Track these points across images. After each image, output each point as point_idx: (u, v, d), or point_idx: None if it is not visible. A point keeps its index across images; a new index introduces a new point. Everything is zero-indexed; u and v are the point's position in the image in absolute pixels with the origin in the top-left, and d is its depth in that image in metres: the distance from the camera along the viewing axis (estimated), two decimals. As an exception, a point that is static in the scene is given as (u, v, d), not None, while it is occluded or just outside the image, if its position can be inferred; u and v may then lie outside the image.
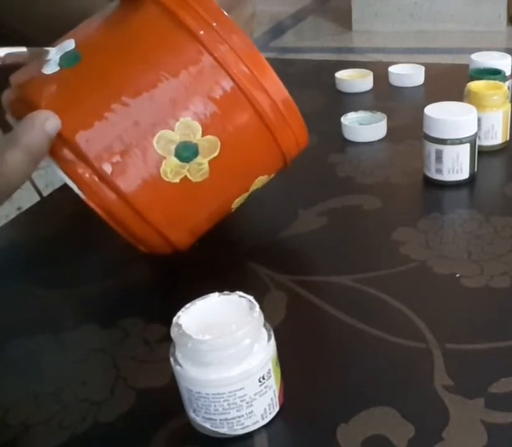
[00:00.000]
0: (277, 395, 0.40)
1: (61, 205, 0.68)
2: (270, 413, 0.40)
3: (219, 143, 0.45)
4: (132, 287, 0.55)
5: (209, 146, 0.45)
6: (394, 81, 0.94)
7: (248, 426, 0.39)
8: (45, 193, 0.71)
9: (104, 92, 0.44)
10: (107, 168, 0.43)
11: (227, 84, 0.45)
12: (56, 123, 0.42)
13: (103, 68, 0.45)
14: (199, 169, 0.46)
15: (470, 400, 0.40)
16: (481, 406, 0.40)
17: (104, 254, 0.59)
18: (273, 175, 0.53)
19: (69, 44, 0.46)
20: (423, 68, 0.94)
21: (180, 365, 0.37)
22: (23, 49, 0.43)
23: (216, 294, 0.40)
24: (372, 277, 0.52)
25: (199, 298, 0.40)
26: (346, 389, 0.42)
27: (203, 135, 0.45)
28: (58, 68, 0.45)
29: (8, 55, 0.41)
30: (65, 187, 0.71)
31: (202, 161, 0.45)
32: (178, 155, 0.44)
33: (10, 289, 0.56)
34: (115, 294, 0.54)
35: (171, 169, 0.45)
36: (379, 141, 0.76)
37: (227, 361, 0.37)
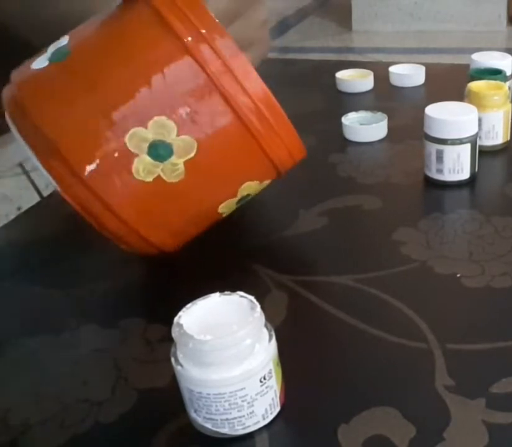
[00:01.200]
0: (278, 395, 0.40)
1: (61, 205, 0.68)
2: (271, 413, 0.40)
3: (195, 144, 0.44)
4: (133, 287, 0.55)
5: (184, 147, 0.44)
6: (395, 81, 0.94)
7: (249, 426, 0.39)
8: (45, 193, 0.71)
9: (84, 92, 0.44)
10: (79, 163, 0.43)
11: (206, 86, 0.44)
12: None
13: (86, 64, 0.45)
14: (174, 169, 0.45)
15: (471, 400, 0.40)
16: (482, 406, 0.40)
17: (104, 254, 0.59)
18: (266, 181, 0.52)
19: (63, 40, 0.47)
20: (423, 68, 0.94)
21: (181, 366, 0.37)
22: None
23: (217, 294, 0.40)
24: (373, 277, 0.52)
25: (200, 298, 0.40)
26: (347, 389, 0.42)
27: (178, 134, 0.44)
28: (46, 63, 0.46)
29: None
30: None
31: (177, 162, 0.45)
32: (150, 153, 0.44)
33: (10, 289, 0.56)
34: (115, 294, 0.54)
35: (144, 168, 0.44)
36: (380, 141, 0.76)
37: (228, 361, 0.37)
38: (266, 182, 0.52)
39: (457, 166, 0.64)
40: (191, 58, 0.44)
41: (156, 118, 0.43)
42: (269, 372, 0.38)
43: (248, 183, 0.49)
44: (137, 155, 0.44)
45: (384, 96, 0.90)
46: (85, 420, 0.41)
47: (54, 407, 0.42)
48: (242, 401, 0.38)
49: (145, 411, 0.42)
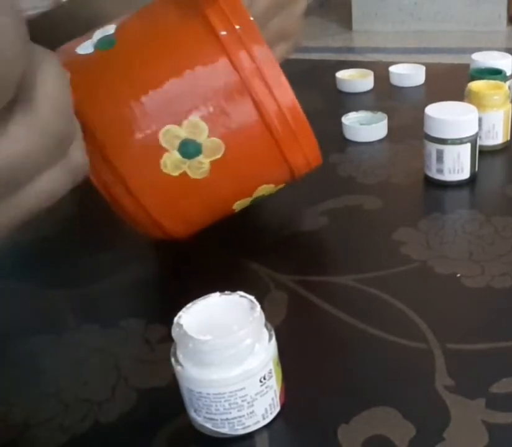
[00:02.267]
0: (278, 395, 0.40)
1: (61, 205, 0.68)
2: (271, 413, 0.40)
3: (223, 146, 0.46)
4: (133, 287, 0.55)
5: (213, 148, 0.46)
6: (395, 80, 0.94)
7: (249, 426, 0.39)
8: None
9: (125, 81, 0.46)
10: (113, 149, 0.45)
11: (241, 93, 0.46)
12: None
13: (130, 58, 0.46)
14: (199, 167, 0.47)
15: (471, 400, 0.40)
16: (482, 406, 0.40)
17: (104, 254, 0.59)
18: (280, 185, 0.54)
19: (109, 28, 0.48)
20: (423, 68, 0.94)
21: (181, 366, 0.37)
22: None
23: (217, 294, 0.40)
24: (373, 277, 0.52)
25: (200, 298, 0.40)
26: (347, 389, 0.42)
27: (209, 136, 0.46)
28: (92, 49, 0.47)
29: None
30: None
31: (204, 161, 0.46)
32: (180, 151, 0.46)
33: (10, 289, 0.56)
34: (115, 294, 0.54)
35: (171, 163, 0.46)
36: (380, 141, 0.76)
37: (228, 361, 0.37)
38: (281, 185, 0.54)
39: (457, 166, 0.64)
40: (229, 61, 0.45)
41: (191, 117, 0.45)
42: (269, 372, 0.38)
43: (264, 186, 0.51)
44: (167, 150, 0.45)
45: (384, 96, 0.90)
46: (85, 420, 0.41)
47: (54, 407, 0.42)
48: (242, 401, 0.38)
49: (145, 411, 0.42)
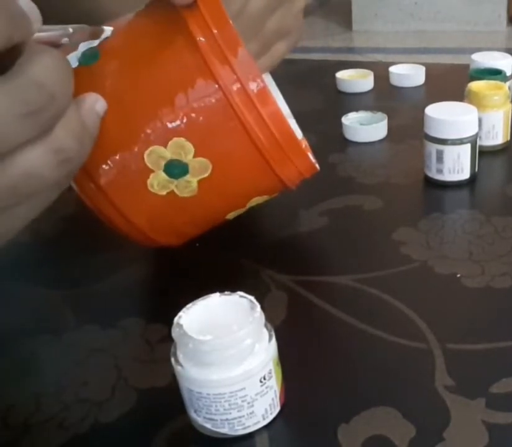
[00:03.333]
0: (278, 395, 0.40)
1: (61, 205, 0.68)
2: (271, 413, 0.40)
3: (210, 166, 0.46)
4: (133, 287, 0.55)
5: (200, 167, 0.45)
6: (395, 81, 0.94)
7: (249, 427, 0.39)
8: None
9: (107, 101, 0.44)
10: (98, 171, 0.44)
11: (226, 111, 0.45)
12: (104, 104, 0.38)
13: (112, 77, 0.45)
14: (187, 186, 0.46)
15: (471, 400, 0.40)
16: (482, 406, 0.40)
17: (104, 254, 0.59)
18: (275, 195, 0.53)
19: (95, 41, 0.47)
20: (423, 68, 0.94)
21: (181, 366, 0.37)
22: (86, 26, 0.44)
23: (217, 294, 0.40)
24: (373, 277, 0.52)
25: (200, 299, 0.40)
26: (347, 389, 0.42)
27: (195, 156, 0.45)
28: (76, 64, 0.46)
29: (74, 31, 0.41)
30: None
31: (191, 180, 0.46)
32: (166, 171, 0.45)
33: (11, 289, 0.56)
34: (115, 294, 0.54)
35: (158, 183, 0.45)
36: (380, 141, 0.76)
37: (228, 361, 0.37)
38: (275, 194, 0.53)
39: (457, 166, 0.64)
40: (211, 78, 0.44)
41: (175, 139, 0.44)
42: (269, 372, 0.38)
43: (257, 197, 0.51)
44: (153, 171, 0.45)
45: (384, 96, 0.90)
46: (85, 420, 0.41)
47: (54, 407, 0.42)
48: (242, 401, 0.38)
49: (145, 411, 0.42)
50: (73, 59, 0.46)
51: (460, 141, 0.62)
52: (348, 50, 3.36)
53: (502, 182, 0.66)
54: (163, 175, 0.45)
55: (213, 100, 0.45)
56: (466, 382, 0.41)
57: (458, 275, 0.52)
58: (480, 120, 0.65)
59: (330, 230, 0.59)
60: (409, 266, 0.53)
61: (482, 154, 0.66)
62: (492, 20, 3.41)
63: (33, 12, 0.29)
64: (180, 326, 0.37)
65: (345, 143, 0.76)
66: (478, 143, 0.64)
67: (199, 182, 0.46)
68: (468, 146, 0.63)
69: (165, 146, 0.44)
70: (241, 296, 0.39)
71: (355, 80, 0.92)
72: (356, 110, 0.80)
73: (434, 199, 0.64)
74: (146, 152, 0.44)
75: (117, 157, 0.45)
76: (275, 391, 0.39)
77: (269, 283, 0.52)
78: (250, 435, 0.39)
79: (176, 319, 0.38)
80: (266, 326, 0.39)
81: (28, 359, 0.47)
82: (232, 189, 0.48)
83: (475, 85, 0.69)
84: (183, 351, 0.37)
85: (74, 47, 0.47)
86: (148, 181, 0.45)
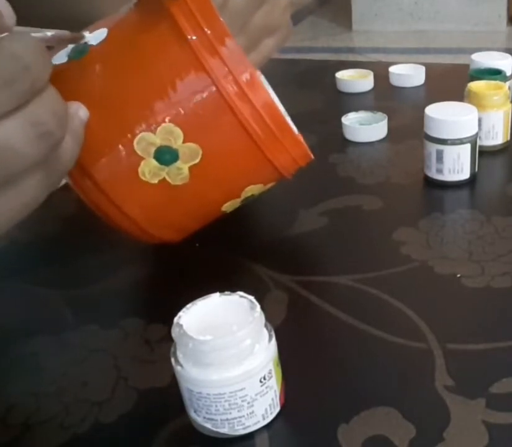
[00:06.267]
0: (278, 395, 0.40)
1: (61, 205, 0.68)
2: (271, 413, 0.40)
3: (200, 151, 0.45)
4: (133, 286, 0.55)
5: (190, 153, 0.45)
6: (395, 81, 0.94)
7: (249, 427, 0.39)
8: (45, 193, 0.71)
9: (95, 91, 0.45)
10: (89, 162, 0.44)
11: (213, 95, 0.45)
12: (86, 112, 0.39)
13: (101, 66, 0.46)
14: (179, 173, 0.46)
15: (471, 400, 0.40)
16: (483, 406, 0.40)
17: (104, 254, 0.59)
18: (270, 184, 0.52)
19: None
20: (423, 68, 0.94)
21: (181, 366, 0.37)
22: (66, 32, 0.43)
23: (217, 294, 0.40)
24: (373, 277, 0.52)
25: (200, 299, 0.40)
26: (347, 389, 0.42)
27: (184, 141, 0.45)
28: (66, 59, 0.46)
29: (53, 36, 0.41)
30: (65, 187, 0.71)
31: (182, 166, 0.46)
32: (157, 158, 0.45)
33: (10, 289, 0.56)
34: (115, 294, 0.54)
35: (150, 170, 0.45)
36: (380, 141, 0.76)
37: (228, 361, 0.37)
38: (271, 184, 0.53)
39: (457, 166, 0.64)
40: (201, 68, 0.44)
41: (164, 124, 0.44)
42: (269, 372, 0.38)
43: (251, 186, 0.50)
44: (143, 158, 0.45)
45: (384, 96, 0.90)
46: (85, 420, 0.41)
47: (54, 407, 0.42)
48: (242, 401, 0.38)
49: (145, 411, 0.42)
50: (63, 55, 0.47)
51: (460, 141, 0.62)
52: (348, 50, 3.36)
53: (502, 182, 0.66)
54: (154, 162, 0.45)
55: (203, 89, 0.45)
56: (466, 382, 0.41)
57: (458, 275, 0.52)
58: (480, 120, 0.65)
59: (330, 230, 0.59)
60: (409, 266, 0.53)
61: (482, 154, 0.66)
62: (492, 20, 3.41)
63: (5, 9, 0.30)
64: (180, 326, 0.37)
65: (345, 143, 0.76)
66: (478, 143, 0.64)
67: (191, 168, 0.46)
68: (468, 146, 0.63)
69: (154, 133, 0.44)
70: (241, 296, 0.39)
71: (355, 80, 0.92)
72: (356, 110, 0.80)
73: (434, 199, 0.64)
74: (136, 139, 0.44)
75: (108, 147, 0.45)
76: (275, 391, 0.39)
77: (270, 283, 0.52)
78: (250, 435, 0.39)
79: (176, 319, 0.38)
80: (266, 326, 0.39)
81: (28, 359, 0.47)
82: (224, 176, 0.48)
83: (475, 85, 0.69)
84: (183, 351, 0.37)
85: (79, 39, 0.46)
86: (139, 169, 0.45)
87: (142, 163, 0.45)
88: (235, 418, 0.38)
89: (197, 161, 0.46)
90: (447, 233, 0.57)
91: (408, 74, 0.93)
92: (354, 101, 0.89)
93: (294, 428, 0.40)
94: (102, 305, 0.53)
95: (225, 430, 0.38)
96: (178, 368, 0.37)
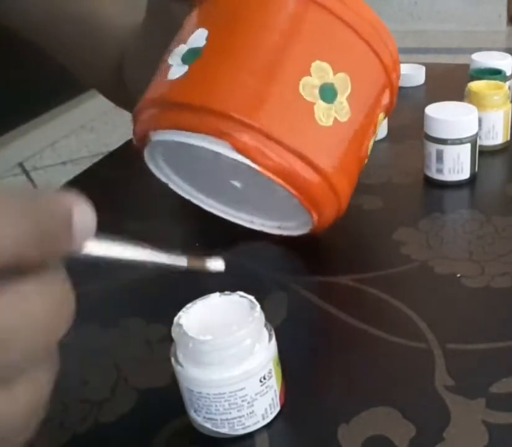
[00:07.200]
0: (278, 395, 0.40)
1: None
2: (271, 413, 0.40)
3: (348, 79, 0.48)
4: (133, 286, 0.55)
5: (343, 84, 0.47)
6: (395, 80, 0.93)
7: (249, 426, 0.39)
8: (45, 193, 0.71)
9: (238, 64, 0.46)
10: (271, 129, 0.45)
11: (334, 24, 0.48)
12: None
13: (228, 45, 0.47)
14: (342, 107, 0.48)
15: (471, 400, 0.40)
16: (483, 406, 0.40)
17: (104, 254, 0.59)
18: (385, 116, 0.56)
19: (183, 46, 0.49)
20: (423, 68, 0.94)
21: (181, 366, 0.37)
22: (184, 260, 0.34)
23: (217, 294, 0.40)
24: (373, 277, 0.52)
25: (200, 298, 0.40)
26: (347, 389, 0.42)
27: (334, 73, 0.47)
28: (186, 68, 0.47)
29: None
30: (65, 187, 0.71)
31: (342, 100, 0.47)
32: (323, 98, 0.46)
33: (11, 289, 0.56)
34: (115, 294, 0.54)
35: (323, 113, 0.46)
36: (380, 141, 0.76)
37: (228, 361, 0.37)
38: (386, 116, 0.57)
39: (457, 166, 0.64)
40: (318, 6, 0.48)
41: (313, 63, 0.46)
42: (269, 372, 0.38)
43: (380, 116, 0.53)
44: (313, 103, 0.46)
45: (384, 96, 0.90)
46: (85, 420, 0.41)
47: (54, 407, 0.42)
48: (242, 401, 0.38)
49: (145, 411, 0.42)
50: (178, 69, 0.48)
51: (460, 141, 0.62)
52: (348, 50, 3.35)
53: (502, 182, 0.66)
54: (322, 103, 0.46)
55: (323, 22, 0.48)
56: (466, 382, 0.41)
57: (458, 275, 0.52)
58: (480, 120, 0.65)
59: (331, 230, 0.59)
60: (409, 266, 0.53)
61: (482, 154, 0.66)
62: (492, 20, 3.41)
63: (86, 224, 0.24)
64: (180, 326, 0.37)
65: (345, 143, 0.76)
66: (478, 142, 0.64)
67: (348, 100, 0.48)
68: (468, 146, 0.63)
69: (310, 74, 0.46)
70: (241, 296, 0.39)
71: (355, 80, 0.92)
72: (356, 110, 0.80)
73: (434, 199, 0.64)
74: (300, 87, 0.46)
75: (281, 105, 0.46)
76: (275, 391, 0.39)
77: (270, 283, 0.52)
78: (250, 435, 0.39)
79: (176, 319, 0.38)
80: (266, 326, 0.39)
81: (28, 359, 0.47)
82: (368, 102, 0.50)
83: (475, 85, 0.69)
84: (183, 351, 0.37)
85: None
86: (316, 115, 0.46)
87: (315, 108, 0.46)
88: (235, 418, 0.38)
89: (349, 90, 0.48)
90: (447, 233, 0.57)
91: (408, 74, 0.93)
92: (354, 101, 0.89)
93: (294, 428, 0.40)
94: (103, 305, 0.53)
95: (225, 430, 0.38)
96: (178, 368, 0.37)
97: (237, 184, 0.53)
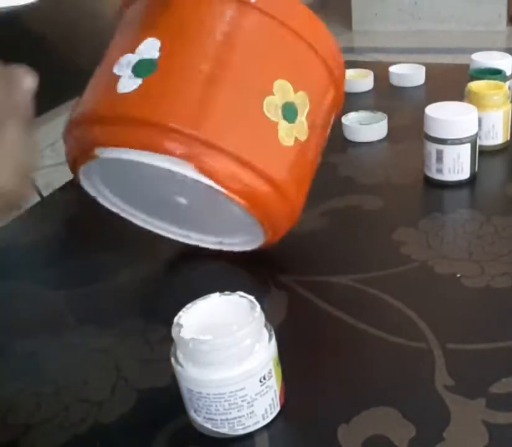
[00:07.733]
0: (278, 395, 0.40)
1: (61, 205, 0.68)
2: (271, 413, 0.40)
3: (307, 98, 0.48)
4: (133, 287, 0.55)
5: (302, 102, 0.47)
6: (395, 80, 0.94)
7: (249, 426, 0.39)
8: (45, 193, 0.71)
9: (199, 79, 0.45)
10: (241, 152, 0.45)
11: (292, 39, 0.48)
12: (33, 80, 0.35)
13: (186, 61, 0.46)
14: (301, 127, 0.47)
15: (471, 400, 0.40)
16: (482, 406, 0.40)
17: (104, 254, 0.59)
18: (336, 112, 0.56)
19: (133, 56, 0.46)
20: (423, 68, 0.94)
21: (181, 366, 0.37)
22: None
23: (217, 294, 0.40)
24: (373, 277, 0.52)
25: (200, 299, 0.40)
26: (347, 389, 0.42)
27: (294, 92, 0.47)
28: (140, 81, 0.45)
29: None
30: (65, 187, 0.71)
31: (302, 119, 0.47)
32: (285, 117, 0.46)
33: (10, 289, 0.56)
34: (115, 294, 0.54)
35: (285, 133, 0.46)
36: (380, 141, 0.76)
37: (228, 361, 0.37)
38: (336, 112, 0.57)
39: (457, 166, 0.64)
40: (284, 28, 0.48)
41: (275, 82, 0.46)
42: (269, 372, 0.38)
43: (330, 124, 0.54)
44: (277, 123, 0.46)
45: (384, 96, 0.90)
46: (85, 420, 0.41)
47: (54, 407, 0.42)
48: (242, 401, 0.38)
49: (145, 411, 0.41)
50: (129, 82, 0.45)
51: (459, 141, 0.62)
52: (348, 50, 3.36)
53: (502, 182, 0.66)
54: (285, 123, 0.46)
55: (287, 44, 0.48)
56: (466, 382, 0.41)
57: (458, 275, 0.52)
58: (479, 120, 0.65)
59: (331, 230, 0.59)
60: (409, 266, 0.53)
61: (482, 154, 0.66)
62: (492, 20, 3.40)
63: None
64: (180, 326, 0.37)
65: (345, 143, 0.76)
66: (478, 142, 0.64)
67: (307, 119, 0.48)
68: (468, 146, 0.63)
69: (273, 94, 0.46)
70: (241, 296, 0.39)
71: (355, 80, 0.92)
72: (356, 110, 0.80)
73: (434, 199, 0.64)
74: (264, 107, 0.45)
75: (248, 127, 0.45)
76: (275, 391, 0.39)
77: (270, 283, 0.52)
78: (250, 435, 0.39)
79: (176, 319, 0.38)
80: (266, 326, 0.39)
81: (29, 359, 0.47)
82: (323, 118, 0.51)
83: (475, 85, 0.69)
84: (183, 351, 0.37)
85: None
86: (279, 135, 0.46)
87: (279, 128, 0.46)
88: (235, 418, 0.38)
89: (308, 109, 0.48)
90: (447, 233, 0.57)
91: (408, 74, 0.93)
92: (354, 101, 0.89)
93: (294, 428, 0.40)
94: (102, 305, 0.53)
95: (225, 430, 0.38)
96: (178, 368, 0.37)
97: (182, 200, 0.51)
